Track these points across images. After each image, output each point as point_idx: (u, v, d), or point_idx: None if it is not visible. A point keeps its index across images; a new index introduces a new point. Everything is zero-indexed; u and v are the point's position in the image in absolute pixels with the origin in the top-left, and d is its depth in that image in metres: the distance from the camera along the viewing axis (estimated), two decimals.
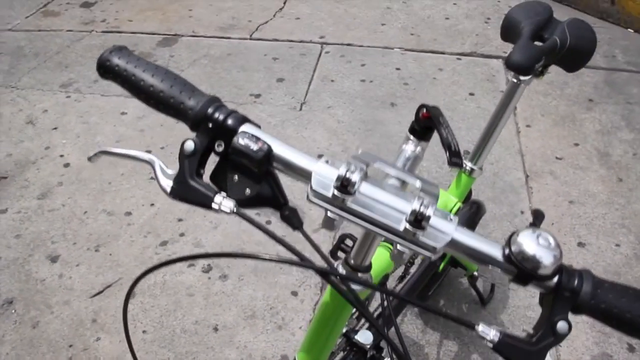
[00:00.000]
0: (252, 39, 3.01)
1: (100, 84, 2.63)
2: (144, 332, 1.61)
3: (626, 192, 2.09)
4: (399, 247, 0.51)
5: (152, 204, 2.01)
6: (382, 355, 1.20)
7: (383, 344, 1.28)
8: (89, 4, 3.33)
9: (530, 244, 0.48)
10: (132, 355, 0.74)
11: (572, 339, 1.60)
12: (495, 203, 2.03)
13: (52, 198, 2.02)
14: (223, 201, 0.55)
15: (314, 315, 0.77)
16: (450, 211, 1.12)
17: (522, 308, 1.68)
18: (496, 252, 0.51)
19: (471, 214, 1.55)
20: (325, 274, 0.53)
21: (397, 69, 2.80)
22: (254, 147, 0.55)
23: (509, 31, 0.91)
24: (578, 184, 2.12)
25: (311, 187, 0.52)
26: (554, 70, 3.05)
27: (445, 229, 0.50)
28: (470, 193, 1.27)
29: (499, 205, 2.03)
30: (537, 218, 0.52)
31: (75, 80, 2.65)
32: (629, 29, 3.20)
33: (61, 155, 2.21)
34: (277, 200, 0.58)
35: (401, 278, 1.42)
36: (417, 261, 1.49)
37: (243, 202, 0.57)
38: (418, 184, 0.50)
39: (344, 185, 0.50)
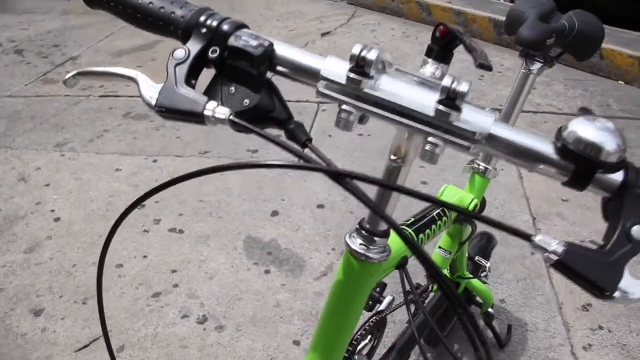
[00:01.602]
0: None
1: (95, 143, 2.60)
2: None
3: None
4: (430, 140, 0.44)
5: (145, 256, 1.91)
6: None
7: None
8: None
9: (587, 129, 0.41)
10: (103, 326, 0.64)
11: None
12: (504, 246, 1.94)
13: (40, 252, 1.92)
14: (217, 108, 0.48)
15: (324, 304, 0.68)
16: (467, 208, 1.05)
17: (543, 350, 1.55)
18: (546, 146, 0.43)
19: (482, 244, 1.47)
20: (338, 176, 0.44)
21: None
22: (254, 42, 0.49)
23: (512, 22, 0.88)
24: (587, 224, 2.05)
25: (321, 76, 0.46)
26: (553, 119, 3.03)
27: (482, 118, 0.43)
28: (484, 200, 1.19)
29: (508, 247, 1.94)
30: (586, 111, 0.44)
31: (70, 140, 2.63)
32: (619, 81, 3.25)
33: (52, 210, 2.13)
34: (279, 114, 0.51)
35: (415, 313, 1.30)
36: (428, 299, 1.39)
37: (240, 115, 0.50)
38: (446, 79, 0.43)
39: (360, 66, 0.44)
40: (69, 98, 3.03)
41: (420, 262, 0.45)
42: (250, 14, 4.48)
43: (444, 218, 0.95)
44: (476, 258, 1.37)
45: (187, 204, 2.16)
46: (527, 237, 0.42)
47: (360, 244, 0.61)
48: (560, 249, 0.41)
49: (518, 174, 2.35)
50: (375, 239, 0.61)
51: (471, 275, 1.33)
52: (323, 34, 4.03)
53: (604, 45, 3.27)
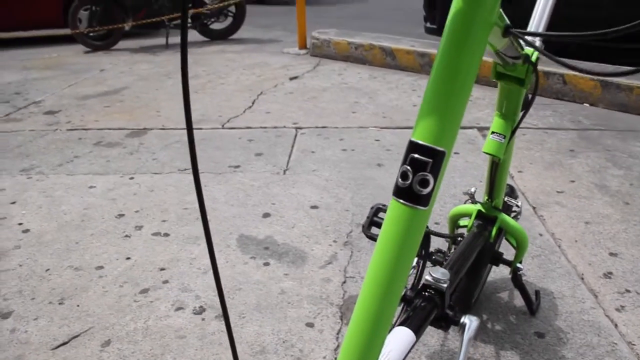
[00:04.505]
0: (225, 128, 2.96)
1: (65, 167, 2.43)
2: None
3: (637, 211, 1.98)
4: None
5: (128, 258, 1.72)
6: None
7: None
8: (52, 112, 3.24)
9: None
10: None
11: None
12: None
13: (7, 260, 1.71)
14: None
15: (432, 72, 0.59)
16: (531, 56, 0.99)
17: (576, 313, 1.44)
18: None
19: (507, 190, 1.39)
20: None
21: (377, 140, 2.76)
22: None
23: None
24: (588, 209, 2.01)
25: None
26: (530, 132, 3.07)
27: None
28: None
29: None
30: None
31: (37, 165, 2.45)
32: (584, 104, 3.37)
33: (20, 224, 1.93)
34: None
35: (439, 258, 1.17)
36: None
37: None
38: None
39: None
40: (35, 132, 2.88)
41: None
42: (215, 66, 4.51)
43: None
44: (506, 199, 1.28)
45: (170, 212, 2.00)
46: None
47: None
48: None
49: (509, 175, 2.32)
50: None
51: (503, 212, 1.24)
52: (291, 78, 4.07)
53: (564, 71, 3.41)
